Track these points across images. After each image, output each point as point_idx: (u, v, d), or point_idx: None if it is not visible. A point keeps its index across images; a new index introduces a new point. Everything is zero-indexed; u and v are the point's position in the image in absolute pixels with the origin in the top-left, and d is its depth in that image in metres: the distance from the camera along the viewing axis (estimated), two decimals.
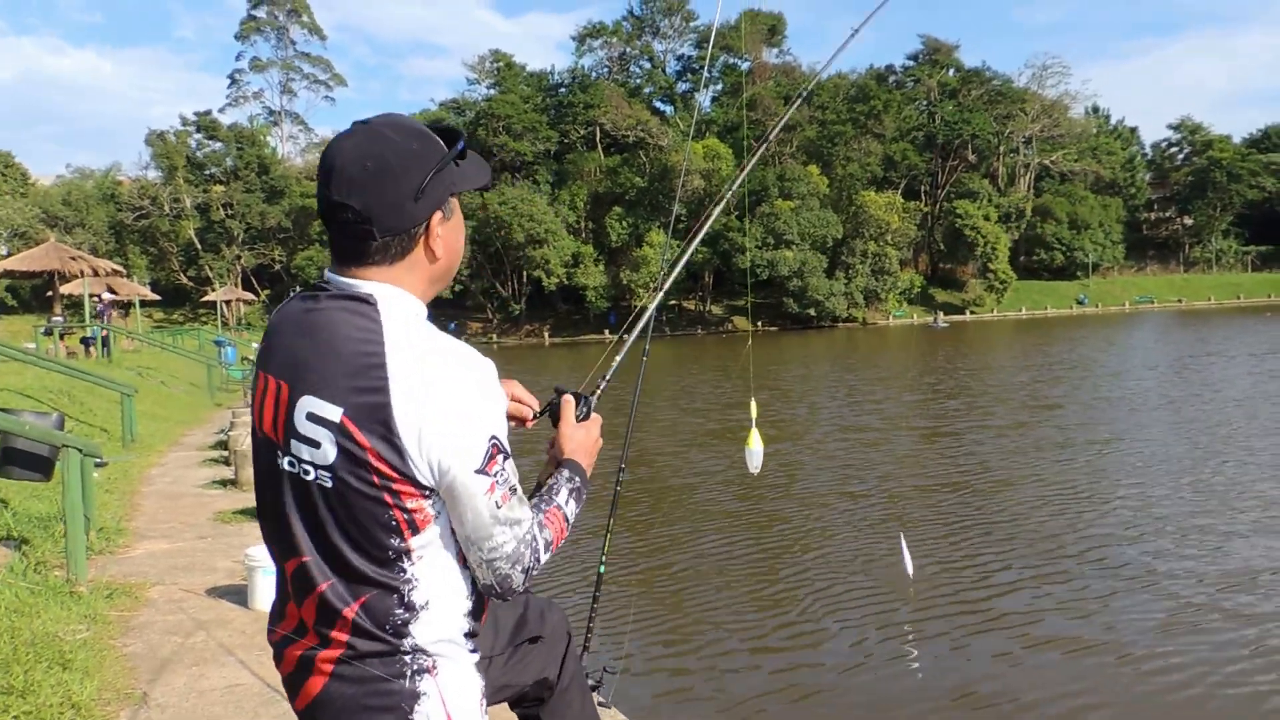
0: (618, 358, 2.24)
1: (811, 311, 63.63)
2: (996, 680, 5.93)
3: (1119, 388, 21.92)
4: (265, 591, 6.22)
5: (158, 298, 49.78)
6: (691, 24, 78.48)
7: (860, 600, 7.49)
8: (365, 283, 1.51)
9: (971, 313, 70.43)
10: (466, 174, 1.59)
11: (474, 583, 1.55)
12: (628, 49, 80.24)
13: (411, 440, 1.41)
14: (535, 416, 1.86)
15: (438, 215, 1.54)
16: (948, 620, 6.96)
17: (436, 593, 1.50)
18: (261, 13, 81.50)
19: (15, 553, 6.96)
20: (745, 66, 78.10)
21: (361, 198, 1.47)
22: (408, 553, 1.47)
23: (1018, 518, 9.95)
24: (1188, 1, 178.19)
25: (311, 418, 1.45)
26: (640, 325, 2.40)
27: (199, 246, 70.24)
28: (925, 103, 77.53)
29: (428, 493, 1.46)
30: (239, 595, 6.34)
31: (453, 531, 1.50)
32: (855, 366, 32.92)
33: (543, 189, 69.67)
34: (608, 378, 2.12)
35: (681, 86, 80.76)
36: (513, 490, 1.50)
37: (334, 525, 1.47)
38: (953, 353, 36.22)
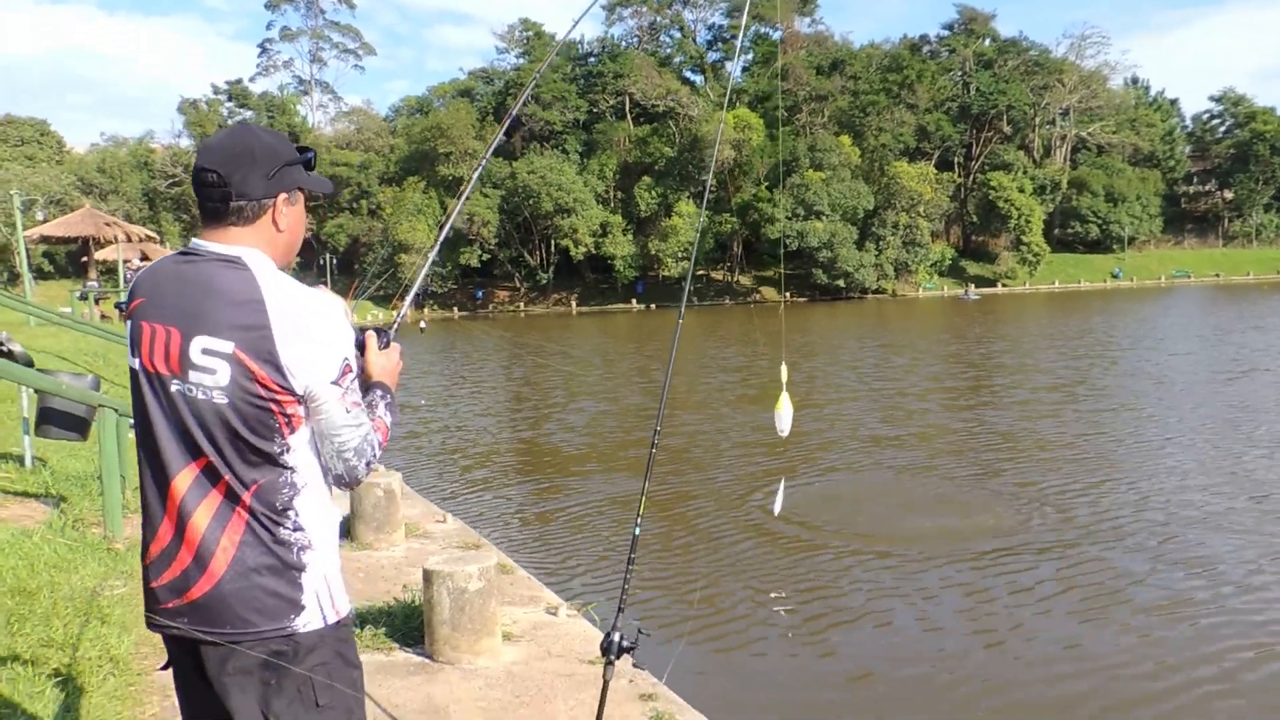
0: (413, 290, 2.65)
1: (840, 283, 63.00)
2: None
3: (1106, 359, 22.26)
4: None
5: None
6: None
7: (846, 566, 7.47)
8: (230, 247, 1.92)
9: (1003, 285, 69.49)
10: (312, 180, 2.08)
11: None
12: (658, 18, 79.23)
13: (289, 361, 1.84)
14: None
15: (284, 196, 1.98)
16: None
17: (311, 477, 1.94)
18: None
19: (54, 510, 7.07)
20: (777, 36, 77.05)
21: (224, 166, 1.90)
22: (288, 448, 1.91)
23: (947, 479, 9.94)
24: None
25: (207, 352, 1.86)
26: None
27: None
28: (960, 73, 76.09)
29: (300, 399, 1.88)
30: None
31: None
32: (868, 335, 32.80)
33: (571, 158, 69.28)
34: (404, 312, 2.51)
35: (712, 56, 79.79)
36: (359, 401, 1.96)
37: (231, 430, 1.87)
38: (977, 324, 35.93)
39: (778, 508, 4.03)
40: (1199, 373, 19.03)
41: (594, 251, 65.81)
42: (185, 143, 72.52)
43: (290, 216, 2.01)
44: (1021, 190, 69.17)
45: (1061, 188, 74.58)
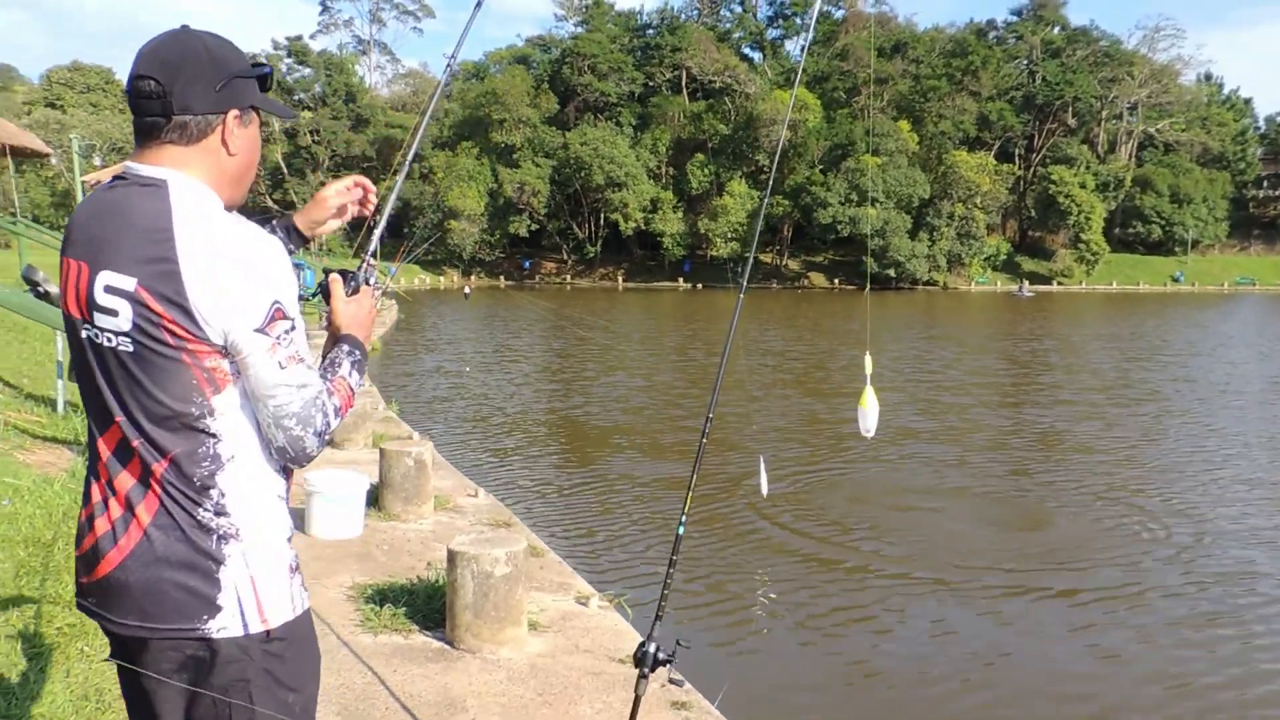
0: (381, 218, 2.17)
1: (891, 272, 61.96)
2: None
3: (1157, 364, 21.48)
4: (322, 517, 6.07)
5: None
6: None
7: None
8: (158, 169, 1.62)
9: (1059, 284, 67.96)
10: (270, 102, 1.76)
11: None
12: None
13: (200, 303, 1.53)
14: (308, 298, 1.94)
15: (234, 113, 1.67)
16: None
17: (242, 446, 1.63)
18: None
19: (79, 458, 6.93)
20: (839, 14, 75.55)
21: (163, 73, 1.60)
22: (211, 410, 1.60)
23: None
24: None
25: (109, 289, 1.57)
26: None
27: (285, 171, 71.24)
28: (1026, 61, 74.20)
29: (223, 352, 1.58)
30: (296, 519, 6.18)
31: None
32: (916, 327, 32.09)
33: (625, 131, 68.74)
34: (374, 247, 2.08)
35: (772, 33, 78.68)
36: (299, 358, 1.61)
37: (139, 386, 1.58)
38: (1028, 321, 35.08)
39: (764, 489, 3.70)
40: (1253, 383, 18.36)
41: (643, 227, 65.40)
42: None
43: (243, 139, 1.70)
44: (1083, 186, 67.43)
45: (1125, 185, 72.57)
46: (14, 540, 4.95)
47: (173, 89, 1.59)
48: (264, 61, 1.76)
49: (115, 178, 1.67)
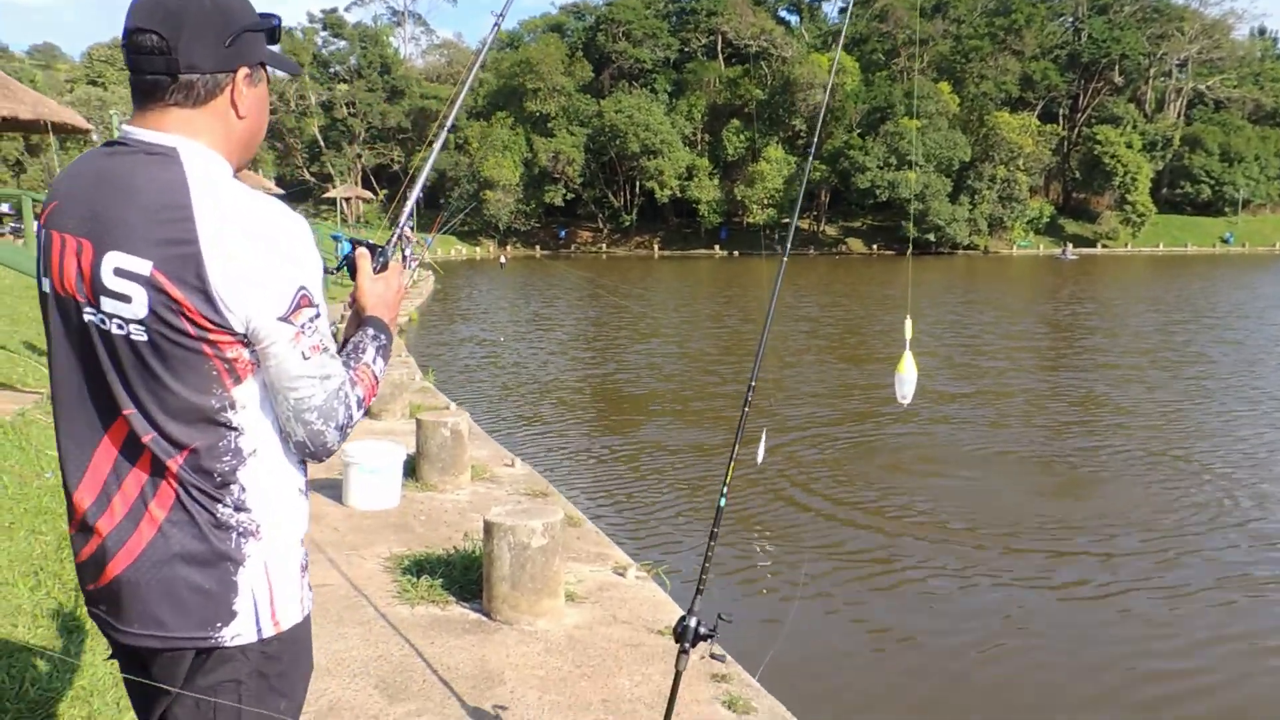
0: (416, 189, 2.07)
1: (931, 237, 60.98)
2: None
3: (1201, 326, 20.96)
4: (359, 488, 6.07)
5: (281, 192, 50.97)
6: None
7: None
8: (165, 135, 1.48)
9: (1104, 246, 66.46)
10: (280, 57, 1.62)
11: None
12: None
13: (222, 288, 1.41)
14: (333, 270, 1.83)
15: (244, 71, 1.53)
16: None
17: (263, 442, 1.52)
18: None
19: None
20: None
21: (167, 26, 1.44)
22: (232, 403, 1.49)
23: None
24: None
25: (120, 272, 1.43)
26: None
27: (322, 144, 71.56)
28: (1071, 18, 72.15)
29: (245, 341, 1.46)
30: (334, 490, 6.20)
31: None
32: (955, 291, 31.60)
33: (660, 98, 68.06)
34: (404, 223, 1.92)
35: None
36: (322, 347, 1.51)
37: (154, 378, 1.46)
38: (1070, 284, 34.38)
39: (760, 458, 3.53)
40: None
41: (679, 195, 64.88)
42: (279, 74, 73.38)
43: (252, 100, 1.56)
44: (1129, 146, 65.60)
45: (1173, 145, 70.54)
46: (56, 513, 4.99)
47: (177, 44, 1.44)
48: (272, 12, 1.61)
49: (113, 142, 1.52)
